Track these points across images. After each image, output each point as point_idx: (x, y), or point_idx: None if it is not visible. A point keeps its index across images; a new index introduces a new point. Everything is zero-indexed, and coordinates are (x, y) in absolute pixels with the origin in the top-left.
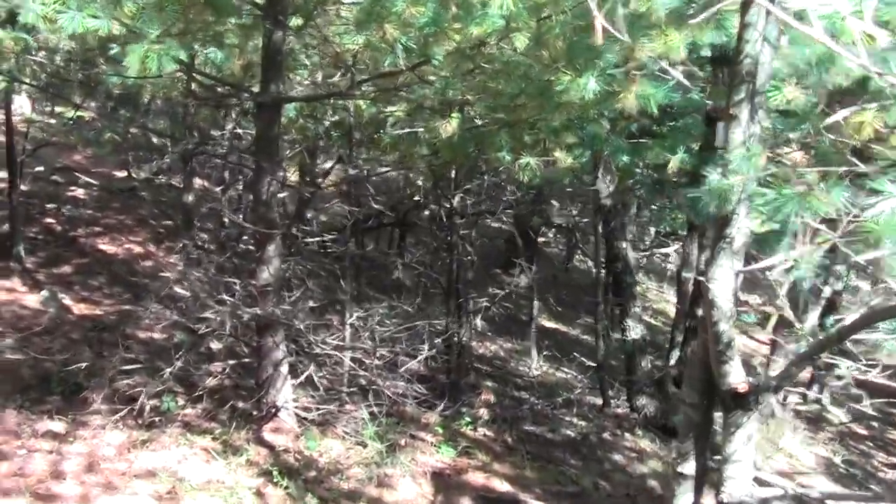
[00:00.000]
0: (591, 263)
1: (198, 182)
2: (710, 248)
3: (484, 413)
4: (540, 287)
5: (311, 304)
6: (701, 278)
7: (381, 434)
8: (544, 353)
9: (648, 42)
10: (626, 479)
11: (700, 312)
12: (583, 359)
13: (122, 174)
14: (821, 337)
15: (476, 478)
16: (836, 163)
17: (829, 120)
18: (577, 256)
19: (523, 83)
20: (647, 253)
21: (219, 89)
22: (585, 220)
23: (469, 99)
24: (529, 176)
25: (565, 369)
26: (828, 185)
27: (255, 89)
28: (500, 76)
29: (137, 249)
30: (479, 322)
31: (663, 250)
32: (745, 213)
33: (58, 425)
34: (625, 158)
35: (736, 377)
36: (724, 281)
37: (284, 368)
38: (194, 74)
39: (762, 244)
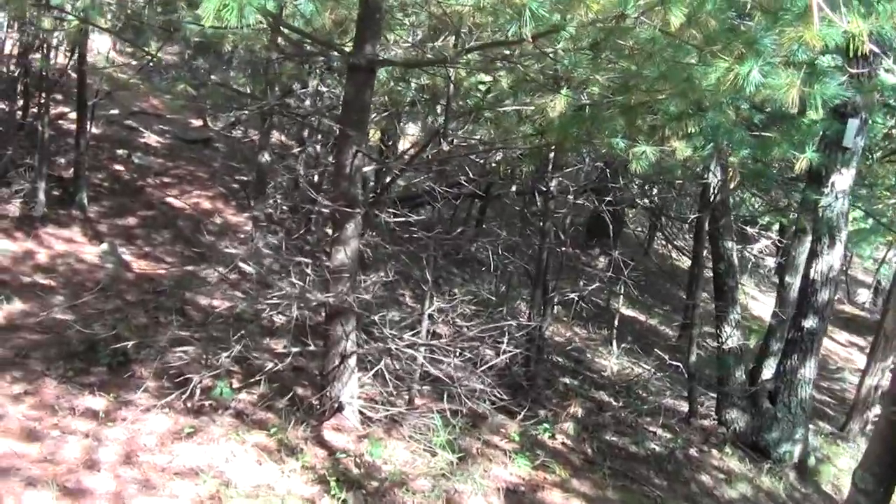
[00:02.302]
0: (671, 248)
1: (276, 137)
2: None
3: (566, 418)
4: (620, 271)
5: (387, 291)
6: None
7: (451, 441)
8: (623, 345)
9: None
10: None
11: (808, 325)
12: (664, 355)
13: (198, 123)
14: None
15: (553, 497)
16: None
17: None
18: (657, 240)
19: (664, 66)
20: (740, 247)
21: (307, 46)
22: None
23: (598, 79)
24: (644, 166)
25: (645, 364)
26: None
27: (348, 48)
28: (637, 56)
29: (207, 205)
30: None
31: (758, 245)
32: None
33: (99, 402)
34: (745, 152)
35: None
36: None
37: (352, 361)
38: (281, 28)
39: (855, 242)
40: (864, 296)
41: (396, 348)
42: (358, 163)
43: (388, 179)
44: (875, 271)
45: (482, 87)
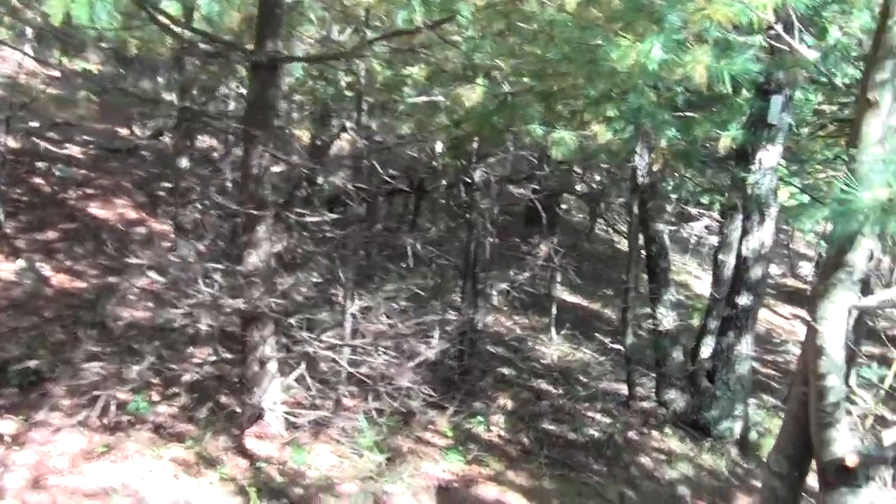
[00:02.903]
0: (612, 232)
1: (207, 142)
2: (819, 279)
3: (499, 410)
4: (561, 258)
5: (305, 292)
6: (806, 316)
7: (380, 441)
8: (563, 331)
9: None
10: (655, 487)
11: (742, 302)
12: (605, 339)
13: (124, 132)
14: None
15: (488, 491)
16: None
17: None
18: (598, 225)
19: (568, 47)
20: (675, 228)
21: (202, 45)
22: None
23: (499, 64)
24: (563, 152)
25: (586, 349)
26: None
27: (252, 47)
28: (539, 39)
29: (132, 215)
30: (495, 290)
31: (698, 224)
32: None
33: (8, 425)
34: (670, 134)
35: (842, 446)
36: (836, 322)
37: (272, 366)
38: (177, 28)
39: (793, 217)
40: (806, 269)
41: (315, 351)
42: (265, 163)
43: (298, 178)
44: (817, 244)
45: (401, 81)
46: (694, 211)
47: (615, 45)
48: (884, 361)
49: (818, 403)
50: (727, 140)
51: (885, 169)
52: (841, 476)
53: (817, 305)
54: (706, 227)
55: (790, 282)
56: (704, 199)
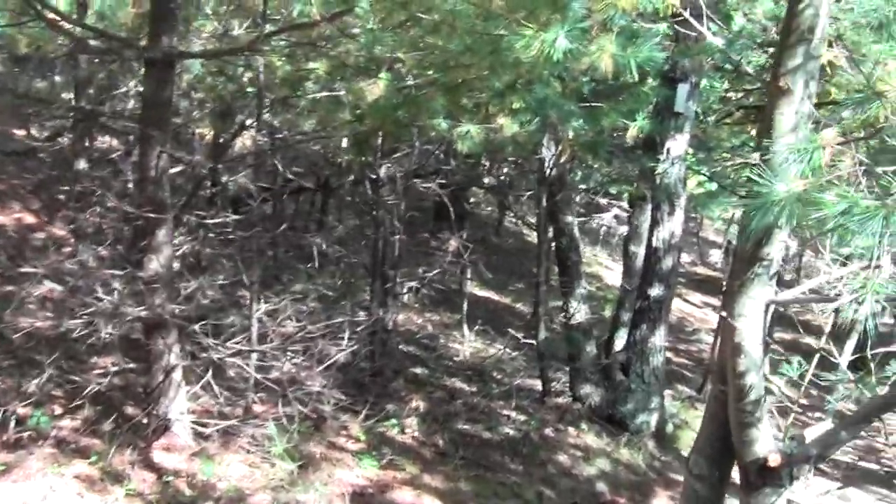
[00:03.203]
0: (521, 225)
1: (108, 143)
2: (732, 273)
3: (412, 412)
4: (470, 252)
5: (211, 296)
6: (723, 313)
7: (292, 449)
8: (476, 327)
9: None
10: (573, 485)
11: (654, 293)
12: (517, 334)
13: (22, 133)
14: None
15: (403, 496)
16: None
17: None
18: (507, 218)
19: (470, 38)
20: (585, 219)
21: (94, 42)
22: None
23: (401, 57)
24: (470, 145)
25: (498, 345)
26: None
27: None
28: (441, 30)
29: (28, 220)
30: (405, 288)
31: (608, 215)
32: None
33: None
34: (576, 124)
35: (764, 445)
36: (754, 317)
37: (178, 375)
38: (67, 24)
39: (702, 205)
40: (715, 256)
41: (222, 357)
42: (164, 164)
43: (199, 178)
44: (726, 231)
45: (302, 76)
46: (602, 201)
47: (519, 36)
48: (795, 347)
49: (738, 403)
50: (635, 130)
51: (800, 158)
52: (764, 476)
53: (734, 301)
54: (615, 218)
55: (700, 270)
56: (613, 190)
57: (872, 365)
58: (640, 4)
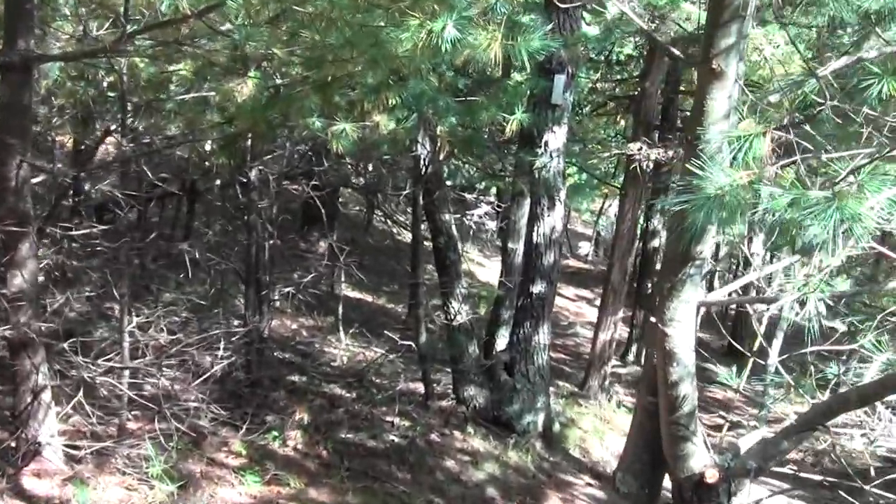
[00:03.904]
0: (391, 224)
1: None
2: (661, 274)
3: (294, 423)
4: (340, 253)
5: (80, 309)
6: (652, 319)
7: (170, 469)
8: (352, 330)
9: None
10: (462, 491)
11: (537, 290)
12: (394, 336)
13: None
14: (823, 399)
15: None
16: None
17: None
18: (376, 217)
19: (350, 31)
20: (456, 216)
21: None
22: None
23: (276, 53)
24: (345, 145)
25: (376, 348)
26: (864, 180)
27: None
28: (317, 23)
29: None
30: (278, 295)
31: (478, 211)
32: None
33: None
34: (453, 120)
35: (700, 460)
36: (686, 322)
37: (46, 395)
38: None
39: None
40: (585, 248)
41: (91, 376)
42: (24, 174)
43: (62, 187)
44: (594, 223)
45: (167, 78)
46: (470, 197)
47: (404, 27)
48: (705, 346)
49: (671, 415)
50: (514, 123)
51: (738, 147)
52: (700, 493)
53: (663, 306)
54: (486, 213)
55: (572, 262)
56: (480, 185)
57: (812, 367)
58: None
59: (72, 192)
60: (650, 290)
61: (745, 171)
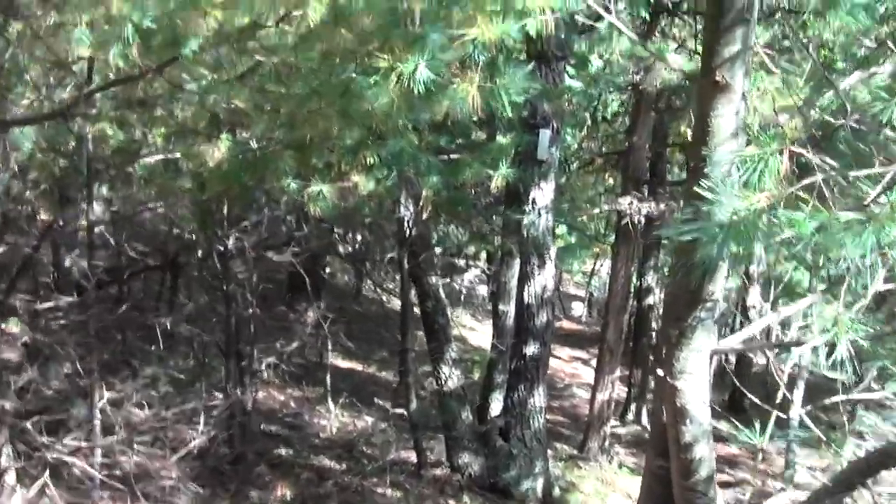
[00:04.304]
0: (380, 291)
1: None
2: (666, 321)
3: (279, 499)
4: (330, 322)
5: (55, 386)
6: (659, 371)
7: None
8: (341, 400)
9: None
10: None
11: (530, 352)
12: (385, 404)
13: None
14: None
15: None
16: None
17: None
18: (365, 285)
19: (317, 80)
20: (445, 280)
21: None
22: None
23: (242, 109)
24: (323, 207)
25: (367, 416)
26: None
27: None
28: (281, 73)
29: None
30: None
31: (468, 275)
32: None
33: None
34: (435, 179)
35: None
36: (698, 374)
37: (11, 478)
38: None
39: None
40: (578, 309)
41: (55, 457)
42: None
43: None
44: (587, 284)
45: (138, 144)
46: (459, 262)
47: (372, 72)
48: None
49: (685, 480)
50: (500, 179)
51: (752, 167)
52: None
53: (672, 357)
54: (476, 277)
55: (565, 324)
56: (470, 249)
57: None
58: (503, 34)
59: (51, 267)
60: (654, 342)
61: (764, 194)
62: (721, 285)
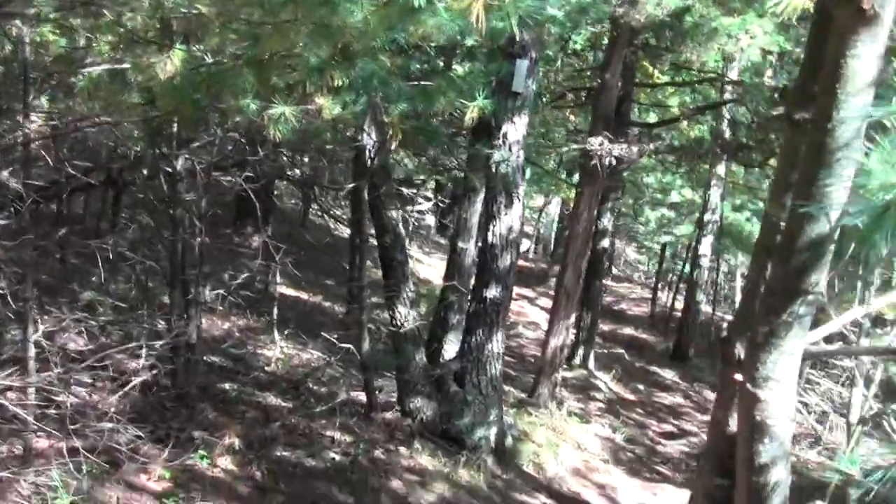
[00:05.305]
0: (328, 219)
1: None
2: (744, 314)
3: (224, 439)
4: (279, 251)
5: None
6: (737, 376)
7: (83, 498)
8: (287, 330)
9: None
10: None
11: (491, 295)
12: (332, 337)
13: None
14: None
15: None
16: None
17: None
18: (312, 212)
19: None
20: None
21: None
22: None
23: (203, 13)
24: (284, 131)
25: (313, 349)
26: None
27: None
28: None
29: None
30: (208, 296)
31: (418, 207)
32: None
33: None
34: (403, 106)
35: None
36: (787, 382)
37: None
38: None
39: None
40: (525, 245)
41: None
42: None
43: None
44: (536, 221)
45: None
46: (409, 192)
47: None
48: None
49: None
50: (474, 111)
51: None
52: None
53: (756, 360)
54: (428, 210)
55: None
56: (419, 179)
57: None
58: None
59: None
60: (723, 335)
61: None
62: (826, 274)
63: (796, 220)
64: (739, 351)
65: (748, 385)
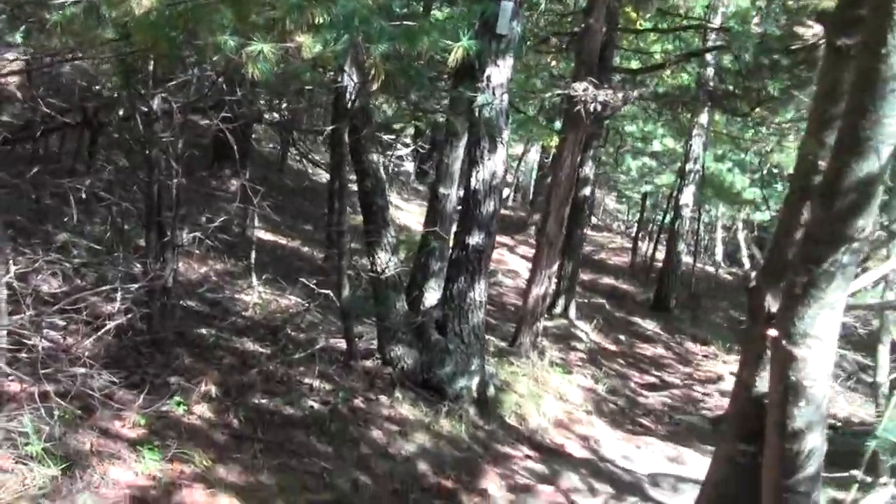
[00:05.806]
0: (306, 163)
1: None
2: (790, 266)
3: (200, 385)
4: (254, 193)
5: None
6: (771, 332)
7: (56, 445)
8: (265, 275)
9: None
10: (391, 466)
11: (473, 242)
12: (310, 282)
13: None
14: None
15: (194, 496)
16: None
17: None
18: (290, 155)
19: None
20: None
21: None
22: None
23: None
24: (263, 69)
25: (291, 295)
26: None
27: None
28: None
29: None
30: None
31: (396, 152)
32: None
33: None
34: (385, 46)
35: None
36: (827, 340)
37: None
38: None
39: None
40: (504, 193)
41: None
42: None
43: None
44: (515, 169)
45: None
46: (388, 137)
47: None
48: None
49: (785, 479)
50: (459, 52)
51: None
52: None
53: (795, 313)
54: (407, 156)
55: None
56: (397, 125)
57: None
58: None
59: None
60: (751, 283)
61: None
62: (874, 220)
63: (842, 157)
64: (770, 303)
65: (783, 342)
